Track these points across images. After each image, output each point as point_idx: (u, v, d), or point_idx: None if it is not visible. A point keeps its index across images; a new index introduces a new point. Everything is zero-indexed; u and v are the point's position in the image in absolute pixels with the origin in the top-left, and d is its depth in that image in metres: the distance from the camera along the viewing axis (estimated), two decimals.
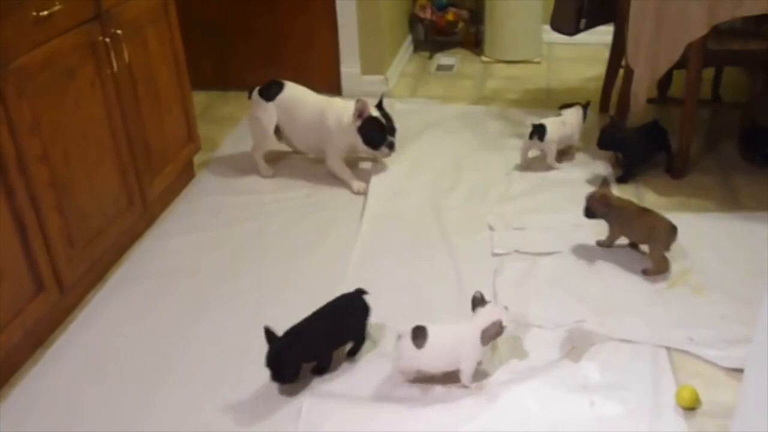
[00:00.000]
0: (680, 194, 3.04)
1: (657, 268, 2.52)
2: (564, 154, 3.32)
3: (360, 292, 2.22)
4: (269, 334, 2.03)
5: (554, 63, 4.56)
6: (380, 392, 2.10)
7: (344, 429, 1.99)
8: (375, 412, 2.04)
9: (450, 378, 2.09)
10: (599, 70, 3.93)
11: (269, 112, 3.24)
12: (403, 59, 4.59)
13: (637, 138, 3.16)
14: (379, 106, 3.18)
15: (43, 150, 2.25)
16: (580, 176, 3.19)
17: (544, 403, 2.03)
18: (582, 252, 2.68)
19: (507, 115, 3.84)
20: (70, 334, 2.42)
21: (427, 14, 4.68)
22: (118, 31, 2.56)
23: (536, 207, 2.98)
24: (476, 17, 4.81)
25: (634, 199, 2.88)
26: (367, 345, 2.25)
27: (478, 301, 2.12)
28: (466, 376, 2.07)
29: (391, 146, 3.15)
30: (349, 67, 4.13)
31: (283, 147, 3.46)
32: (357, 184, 3.19)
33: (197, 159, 3.39)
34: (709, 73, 3.52)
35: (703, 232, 2.75)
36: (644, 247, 2.61)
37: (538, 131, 3.16)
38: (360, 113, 3.08)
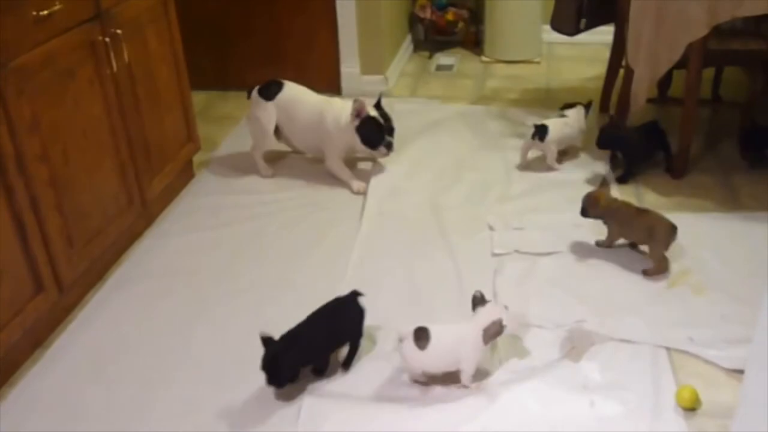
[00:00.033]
0: (680, 194, 3.04)
1: (657, 268, 2.52)
2: (564, 154, 3.32)
3: (355, 295, 2.21)
4: (265, 339, 2.02)
5: (554, 63, 4.56)
6: (380, 392, 2.10)
7: (344, 429, 1.99)
8: (375, 412, 2.03)
9: (450, 378, 2.09)
10: (599, 69, 3.93)
11: (269, 112, 3.24)
12: (403, 59, 4.59)
13: (637, 137, 3.16)
14: (378, 105, 3.18)
15: (43, 149, 2.25)
16: (581, 176, 3.18)
17: (544, 403, 2.03)
18: (582, 252, 2.68)
19: (507, 115, 3.84)
20: (70, 333, 2.41)
21: (427, 14, 4.68)
22: (118, 31, 2.56)
23: (536, 207, 2.98)
24: (476, 17, 4.81)
25: (634, 199, 2.89)
26: (366, 345, 2.25)
27: (478, 301, 2.12)
28: (466, 375, 2.07)
29: (389, 146, 3.15)
30: (349, 67, 4.13)
31: (282, 147, 3.46)
32: (357, 184, 3.19)
33: (197, 159, 3.38)
34: (709, 72, 3.52)
35: (703, 232, 2.75)
36: (644, 247, 2.60)
37: (540, 131, 3.16)
38: (358, 113, 3.08)
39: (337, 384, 2.14)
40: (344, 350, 2.20)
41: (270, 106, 3.23)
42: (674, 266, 2.55)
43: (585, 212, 2.65)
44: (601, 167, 3.25)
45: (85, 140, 2.47)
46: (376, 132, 3.11)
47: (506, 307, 2.12)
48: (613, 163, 3.27)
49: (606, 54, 3.74)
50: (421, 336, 2.01)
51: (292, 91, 3.27)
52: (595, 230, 2.72)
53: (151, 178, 2.89)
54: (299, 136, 3.31)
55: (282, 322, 2.13)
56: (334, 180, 3.25)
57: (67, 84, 2.36)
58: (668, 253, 2.54)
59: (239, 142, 3.58)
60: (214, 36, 4.19)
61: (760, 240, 2.68)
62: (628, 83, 3.28)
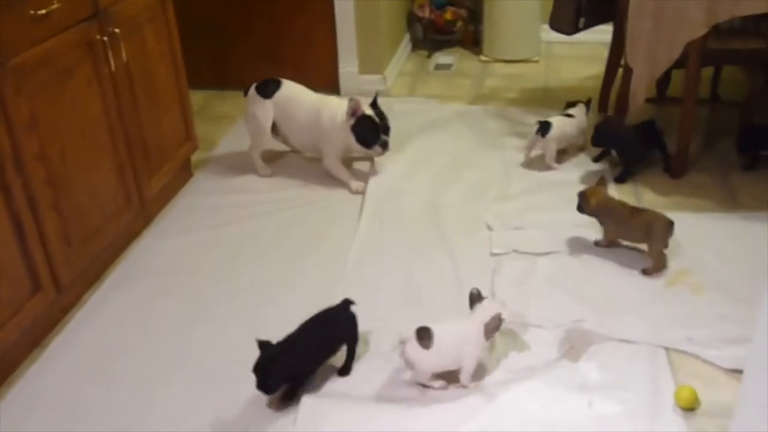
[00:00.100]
0: (679, 194, 3.04)
1: (656, 266, 2.52)
2: (564, 153, 3.31)
3: (347, 303, 2.19)
4: (262, 343, 2.00)
5: (553, 62, 4.56)
6: (380, 392, 2.09)
7: (344, 429, 1.99)
8: (375, 412, 2.03)
9: (449, 378, 2.09)
10: (598, 68, 3.93)
11: (266, 110, 3.23)
12: (402, 58, 4.58)
13: (632, 136, 3.16)
14: (374, 104, 3.17)
15: (41, 148, 2.25)
16: (580, 176, 3.18)
17: (542, 403, 2.03)
18: (581, 252, 2.68)
19: (505, 114, 3.83)
20: (68, 333, 2.41)
21: (426, 13, 4.68)
22: (116, 30, 2.56)
23: (535, 206, 2.98)
24: (475, 16, 4.80)
25: (633, 199, 2.89)
26: (365, 345, 2.25)
27: (475, 298, 2.13)
28: (467, 373, 2.07)
29: (384, 145, 3.13)
30: (348, 66, 4.13)
31: (280, 146, 3.46)
32: (355, 184, 3.18)
33: (195, 158, 3.38)
34: (708, 72, 3.52)
35: (702, 232, 2.75)
36: (642, 246, 2.60)
37: (543, 128, 3.16)
38: (353, 112, 3.07)
39: (337, 384, 2.13)
40: (340, 356, 2.18)
41: (268, 104, 3.23)
42: (673, 266, 2.55)
43: (580, 209, 2.65)
44: (601, 167, 3.24)
45: (83, 139, 2.46)
46: (371, 131, 3.11)
47: (504, 303, 2.12)
48: (600, 160, 3.28)
49: (605, 53, 3.74)
50: (424, 335, 2.01)
51: (290, 89, 3.26)
52: (594, 230, 2.71)
53: (149, 177, 2.88)
54: (296, 135, 3.31)
55: (281, 322, 2.12)
56: (332, 180, 3.24)
57: (65, 83, 2.35)
58: (667, 252, 2.54)
59: (237, 142, 3.58)
60: (212, 35, 4.18)
61: (760, 239, 2.68)
62: (626, 82, 3.28)
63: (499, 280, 2.53)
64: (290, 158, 3.48)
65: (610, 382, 2.09)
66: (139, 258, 2.78)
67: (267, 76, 3.33)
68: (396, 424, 1.99)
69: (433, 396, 2.07)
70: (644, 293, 2.45)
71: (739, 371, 1.59)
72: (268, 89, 3.24)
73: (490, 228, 2.84)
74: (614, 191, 2.92)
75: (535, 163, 3.29)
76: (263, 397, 2.06)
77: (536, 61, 4.57)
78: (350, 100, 3.07)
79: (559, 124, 3.20)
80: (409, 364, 2.06)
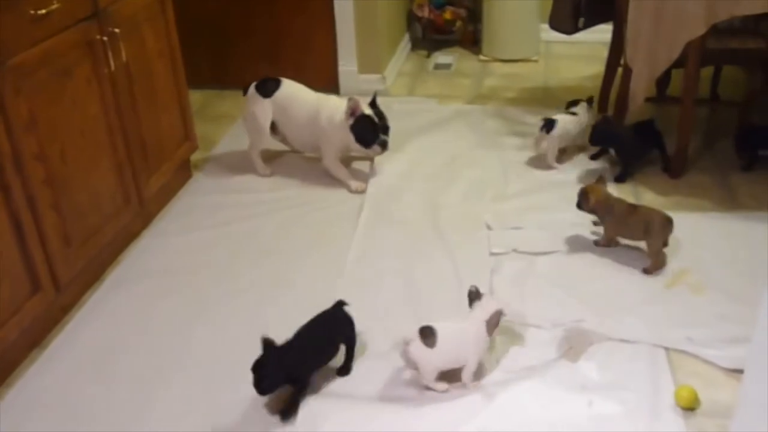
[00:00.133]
0: (678, 194, 3.04)
1: (655, 264, 2.52)
2: (563, 152, 3.31)
3: (341, 304, 2.18)
4: (266, 341, 1.98)
5: (552, 61, 4.55)
6: (380, 392, 2.09)
7: (344, 429, 1.99)
8: (374, 412, 2.03)
9: (449, 378, 2.09)
10: (597, 68, 3.93)
11: (265, 108, 3.23)
12: (401, 58, 4.58)
13: (630, 135, 3.16)
14: (373, 104, 3.17)
15: (40, 148, 2.24)
16: (579, 176, 3.18)
17: (542, 403, 2.03)
18: (580, 251, 2.68)
19: (505, 114, 3.83)
20: (67, 333, 2.41)
21: (425, 13, 4.68)
22: (116, 30, 2.56)
23: (534, 206, 2.98)
24: (474, 15, 4.80)
25: (632, 199, 2.88)
26: (365, 345, 2.24)
27: (474, 296, 2.13)
28: (470, 371, 2.07)
29: (383, 144, 3.13)
30: (347, 66, 4.12)
31: (280, 146, 3.45)
32: (354, 184, 3.18)
33: (194, 158, 3.38)
34: (707, 71, 3.52)
35: (701, 232, 2.75)
36: (641, 244, 2.60)
37: (548, 124, 3.17)
38: (352, 111, 3.07)
39: (337, 384, 2.13)
40: (339, 357, 2.18)
41: (267, 102, 3.23)
42: (673, 266, 2.55)
43: (580, 205, 2.66)
44: (600, 166, 3.24)
45: (82, 139, 2.46)
46: (370, 130, 3.10)
47: (503, 299, 2.14)
48: (597, 158, 3.29)
49: (604, 53, 3.74)
50: (428, 334, 2.01)
51: (290, 88, 3.26)
52: (593, 229, 2.71)
53: (148, 177, 2.88)
54: (296, 134, 3.30)
55: (281, 322, 2.12)
56: (331, 179, 3.24)
57: (64, 83, 2.35)
58: (667, 252, 2.54)
59: (237, 141, 3.58)
60: (211, 34, 4.18)
61: (759, 239, 2.68)
62: (626, 82, 3.28)
63: (498, 279, 2.54)
64: (290, 158, 3.48)
65: (610, 382, 2.09)
66: (138, 258, 2.78)
67: (267, 75, 3.33)
68: (396, 424, 1.99)
69: (433, 396, 2.07)
70: (644, 293, 2.45)
71: (739, 371, 1.59)
72: (267, 88, 3.24)
73: (489, 228, 2.84)
74: (614, 191, 2.91)
75: (534, 163, 3.29)
76: (263, 397, 2.06)
77: (535, 61, 4.57)
78: (349, 99, 3.07)
79: (563, 121, 3.21)
80: (414, 364, 2.05)
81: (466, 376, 2.07)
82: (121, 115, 2.66)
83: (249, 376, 1.97)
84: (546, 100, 3.95)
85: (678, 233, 2.54)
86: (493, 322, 2.07)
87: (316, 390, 2.11)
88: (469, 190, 3.13)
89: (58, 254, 2.34)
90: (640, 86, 3.06)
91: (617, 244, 2.67)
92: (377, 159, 3.31)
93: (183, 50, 3.10)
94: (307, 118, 3.20)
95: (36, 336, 2.36)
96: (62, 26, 2.31)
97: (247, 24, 4.13)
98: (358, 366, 2.18)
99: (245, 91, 3.29)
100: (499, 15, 4.51)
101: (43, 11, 2.20)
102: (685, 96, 3.07)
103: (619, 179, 3.12)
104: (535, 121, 3.23)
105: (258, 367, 1.97)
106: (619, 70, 3.55)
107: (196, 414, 2.05)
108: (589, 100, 3.39)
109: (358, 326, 2.19)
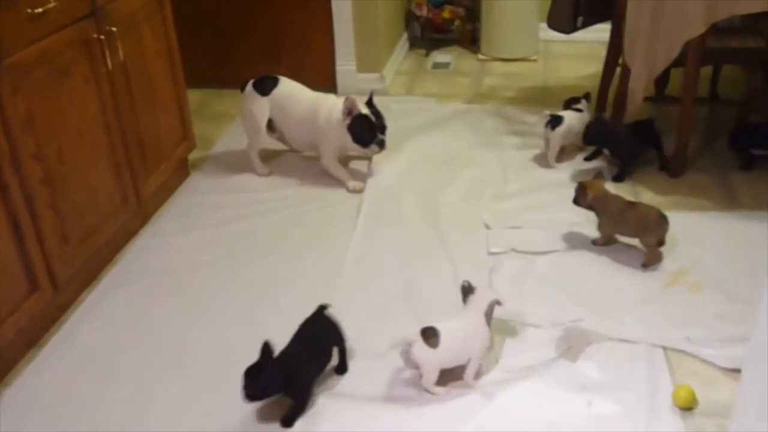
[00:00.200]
0: (678, 193, 3.03)
1: (651, 259, 2.53)
2: (563, 152, 3.31)
3: (322, 308, 2.15)
4: (265, 347, 1.95)
5: (551, 60, 4.55)
6: (380, 392, 2.09)
7: (344, 429, 1.98)
8: (374, 412, 2.03)
9: (449, 377, 2.08)
10: (596, 67, 3.92)
11: (263, 106, 3.23)
12: (399, 57, 4.58)
13: (624, 134, 3.16)
14: (369, 103, 3.16)
15: (38, 147, 2.24)
16: (578, 176, 3.17)
17: (541, 403, 2.03)
18: (578, 251, 2.68)
19: (503, 113, 3.83)
20: (65, 333, 2.40)
21: (424, 12, 4.68)
22: (113, 29, 2.55)
23: (533, 205, 2.97)
24: (472, 14, 4.80)
25: (631, 198, 2.88)
26: (365, 345, 2.23)
27: (467, 290, 2.14)
28: (474, 368, 2.07)
29: (380, 144, 3.12)
30: (345, 65, 4.12)
31: (278, 145, 3.45)
32: (352, 183, 3.18)
33: (192, 157, 3.37)
34: (706, 71, 3.52)
35: (700, 231, 2.75)
36: (637, 241, 2.60)
37: (553, 121, 3.17)
38: (349, 111, 3.07)
39: (336, 384, 2.13)
40: (337, 357, 2.17)
41: (264, 101, 3.22)
42: (672, 265, 2.55)
43: (577, 201, 2.66)
44: (597, 164, 3.24)
45: (80, 138, 2.45)
46: (367, 130, 3.10)
47: (496, 290, 2.17)
48: (592, 159, 3.29)
49: (603, 52, 3.73)
50: (430, 334, 2.01)
51: (287, 87, 3.26)
52: (592, 229, 2.71)
53: (146, 176, 2.88)
54: (293, 133, 3.30)
55: (280, 322, 2.12)
56: (330, 179, 3.24)
57: (62, 82, 2.35)
58: (665, 251, 2.54)
59: (235, 141, 3.57)
60: (210, 33, 4.17)
61: (758, 239, 2.68)
62: (625, 81, 3.27)
63: (497, 279, 2.53)
64: (288, 157, 3.48)
65: (609, 381, 2.08)
66: (136, 257, 2.78)
67: (265, 74, 3.32)
68: (396, 424, 1.99)
69: (433, 396, 2.06)
70: (643, 292, 2.45)
71: (738, 371, 1.59)
72: (265, 86, 3.24)
73: (488, 227, 2.84)
74: (612, 190, 2.91)
75: (533, 162, 3.29)
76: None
77: (534, 60, 4.57)
78: (346, 99, 3.07)
79: (569, 118, 3.21)
80: (415, 365, 2.05)
81: (469, 373, 2.07)
82: (118, 115, 2.66)
83: None
84: (545, 99, 3.95)
85: (677, 233, 2.53)
86: (491, 313, 2.09)
87: (316, 390, 2.10)
88: (468, 189, 3.13)
89: (56, 253, 2.34)
90: (639, 85, 3.06)
91: (615, 242, 2.67)
92: (375, 158, 3.30)
93: (181, 49, 3.10)
94: (305, 117, 3.20)
95: (34, 335, 2.35)
96: (59, 25, 2.31)
97: (245, 23, 4.13)
98: (357, 366, 2.18)
99: (243, 89, 3.28)
100: (497, 14, 4.51)
101: (40, 10, 2.19)
102: (685, 95, 3.06)
103: (617, 179, 3.12)
104: (534, 120, 3.23)
105: (247, 373, 1.94)
106: (618, 69, 3.54)
107: (194, 414, 2.05)
108: (586, 96, 3.39)
109: (357, 326, 2.19)
